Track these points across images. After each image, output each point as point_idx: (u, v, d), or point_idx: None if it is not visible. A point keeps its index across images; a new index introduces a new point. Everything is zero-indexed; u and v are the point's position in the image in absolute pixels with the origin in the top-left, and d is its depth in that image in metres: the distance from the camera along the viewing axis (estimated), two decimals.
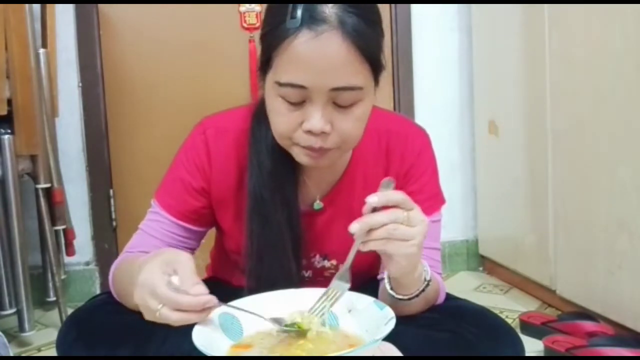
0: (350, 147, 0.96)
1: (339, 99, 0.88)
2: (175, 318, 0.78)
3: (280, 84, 0.87)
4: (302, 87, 0.86)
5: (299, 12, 0.84)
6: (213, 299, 0.79)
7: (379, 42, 0.90)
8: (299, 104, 0.88)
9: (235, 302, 0.88)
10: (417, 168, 1.05)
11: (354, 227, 0.80)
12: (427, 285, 0.93)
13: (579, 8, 1.70)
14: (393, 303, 0.89)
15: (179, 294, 0.77)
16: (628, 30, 1.53)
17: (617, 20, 1.56)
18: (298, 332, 0.84)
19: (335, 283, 0.87)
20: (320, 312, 0.86)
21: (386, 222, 0.80)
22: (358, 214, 1.03)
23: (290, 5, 0.85)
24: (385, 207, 0.82)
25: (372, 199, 0.81)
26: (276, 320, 0.85)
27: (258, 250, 1.00)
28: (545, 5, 1.85)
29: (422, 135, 1.08)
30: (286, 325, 0.85)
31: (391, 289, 0.93)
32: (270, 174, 0.99)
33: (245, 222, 1.01)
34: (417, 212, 0.83)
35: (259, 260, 1.01)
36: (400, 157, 1.05)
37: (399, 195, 0.82)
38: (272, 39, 0.88)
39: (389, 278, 0.93)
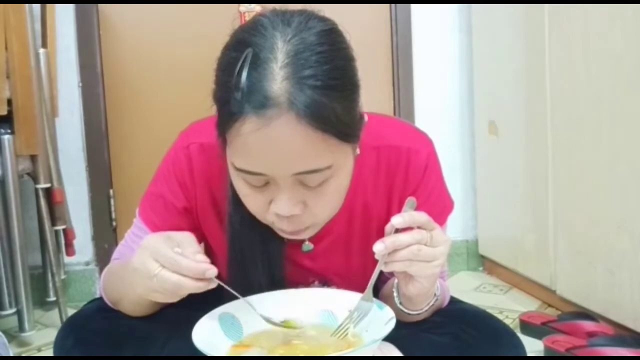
0: (329, 219, 0.90)
1: (307, 181, 0.79)
2: (173, 280, 0.76)
3: (237, 169, 0.80)
4: (259, 174, 0.78)
5: (241, 94, 0.74)
6: (213, 268, 0.77)
7: (346, 106, 0.78)
8: (262, 186, 0.81)
9: (234, 302, 0.88)
10: (425, 187, 0.97)
11: (379, 247, 0.78)
12: (437, 300, 0.92)
13: (579, 8, 1.70)
14: (400, 314, 0.88)
15: (181, 256, 0.76)
16: (628, 30, 1.53)
17: (617, 20, 1.56)
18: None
19: (359, 304, 0.85)
20: (343, 334, 0.85)
21: (411, 242, 0.78)
22: (357, 240, 1.00)
23: (233, 79, 0.75)
24: (405, 228, 0.80)
25: (397, 220, 0.78)
26: (267, 319, 0.85)
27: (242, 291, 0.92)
28: (546, 5, 1.85)
29: (425, 145, 0.99)
30: (276, 324, 0.85)
31: (400, 303, 0.91)
32: (250, 228, 0.91)
33: (227, 268, 0.96)
34: (439, 232, 0.81)
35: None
36: (404, 176, 0.96)
37: (423, 216, 0.80)
38: (221, 114, 0.79)
39: (398, 292, 0.90)
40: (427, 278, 0.82)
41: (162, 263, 0.77)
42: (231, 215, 0.93)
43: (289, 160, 0.76)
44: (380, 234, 0.86)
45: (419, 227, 0.80)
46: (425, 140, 1.00)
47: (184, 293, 0.79)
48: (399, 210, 0.89)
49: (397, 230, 0.79)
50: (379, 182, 0.97)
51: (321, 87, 0.75)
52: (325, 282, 1.02)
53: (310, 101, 0.74)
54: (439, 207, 0.99)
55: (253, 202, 0.83)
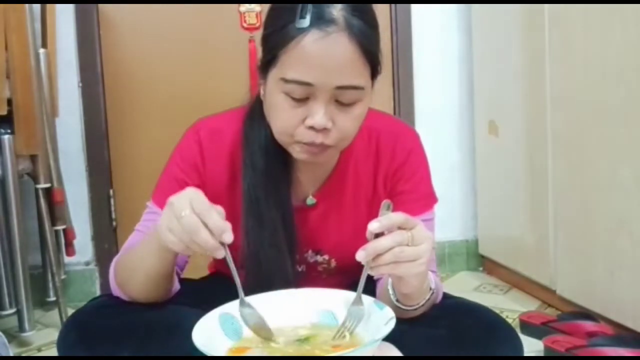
0: (346, 145, 0.98)
1: (342, 97, 0.91)
2: (195, 222, 0.78)
3: (287, 80, 0.90)
4: (308, 84, 0.89)
5: (309, 14, 0.89)
6: (232, 235, 0.81)
7: (379, 46, 0.94)
8: (302, 100, 0.91)
9: (234, 302, 0.88)
10: (408, 167, 1.07)
11: (360, 255, 0.80)
12: (432, 293, 0.94)
13: (579, 8, 1.70)
14: (398, 311, 0.89)
15: (213, 210, 0.80)
16: (628, 30, 1.53)
17: (617, 20, 1.56)
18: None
19: (350, 310, 0.86)
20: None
21: (392, 245, 0.79)
22: (349, 210, 1.08)
23: (300, 7, 0.89)
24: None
25: (374, 226, 0.80)
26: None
27: (254, 249, 1.01)
28: (546, 5, 1.85)
29: (412, 135, 1.10)
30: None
31: (397, 300, 0.92)
32: (263, 173, 1.01)
33: (241, 221, 1.01)
34: (420, 230, 0.82)
35: (256, 258, 1.01)
36: (391, 155, 1.07)
37: (400, 217, 0.81)
38: (279, 37, 0.91)
39: (394, 289, 0.92)
40: (415, 277, 0.84)
41: (194, 207, 0.79)
42: (246, 217, 1.01)
43: (336, 72, 0.89)
44: (367, 210, 1.04)
45: (399, 228, 0.81)
46: (412, 133, 1.11)
47: (196, 242, 0.80)
48: (383, 190, 1.04)
49: (378, 235, 0.80)
50: (369, 160, 1.07)
51: (368, 23, 0.92)
52: (318, 252, 1.10)
53: (362, 28, 0.90)
54: (422, 190, 1.07)
55: (288, 117, 0.92)
